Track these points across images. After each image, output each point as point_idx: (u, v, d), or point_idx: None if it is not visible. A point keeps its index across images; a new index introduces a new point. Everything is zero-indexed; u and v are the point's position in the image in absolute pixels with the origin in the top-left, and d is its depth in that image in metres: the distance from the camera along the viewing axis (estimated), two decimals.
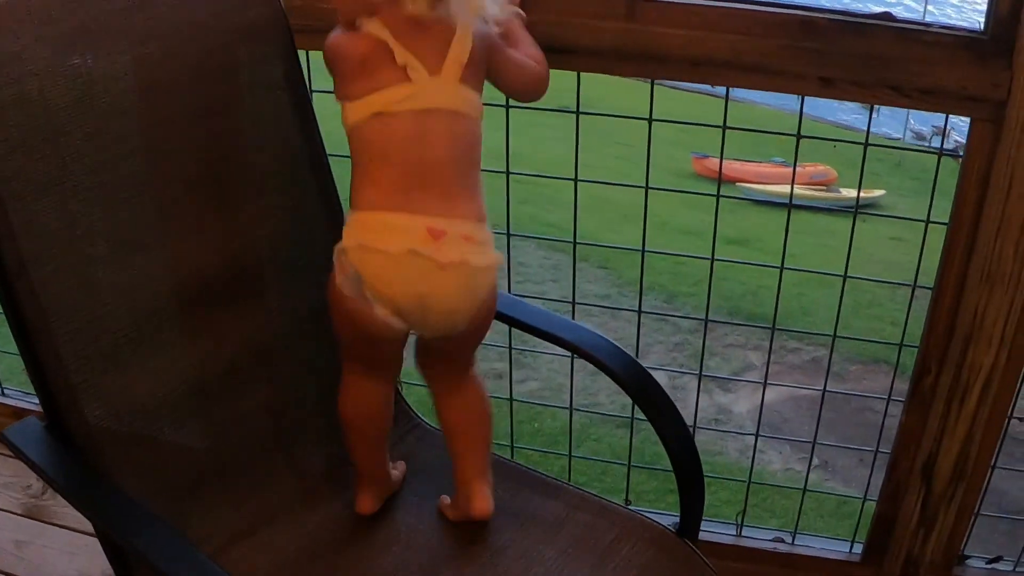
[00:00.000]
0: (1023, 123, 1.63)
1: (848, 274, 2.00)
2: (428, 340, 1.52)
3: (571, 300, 2.19)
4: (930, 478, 1.96)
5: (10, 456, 1.42)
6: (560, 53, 1.69)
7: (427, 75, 1.39)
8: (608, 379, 1.60)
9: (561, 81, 1.82)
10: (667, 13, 1.67)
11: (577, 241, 2.15)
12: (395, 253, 1.38)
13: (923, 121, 14.46)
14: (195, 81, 1.51)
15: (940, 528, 2.02)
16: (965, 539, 2.09)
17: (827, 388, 2.18)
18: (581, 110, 1.93)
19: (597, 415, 5.43)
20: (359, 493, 1.60)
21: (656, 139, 1.93)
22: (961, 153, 1.74)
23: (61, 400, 1.38)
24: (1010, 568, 2.17)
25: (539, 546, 1.54)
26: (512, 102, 1.86)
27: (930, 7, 16.88)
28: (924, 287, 1.91)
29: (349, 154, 1.44)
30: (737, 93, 1.83)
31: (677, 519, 1.58)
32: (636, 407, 1.88)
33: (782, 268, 2.03)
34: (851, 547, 2.20)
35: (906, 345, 2.03)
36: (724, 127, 1.89)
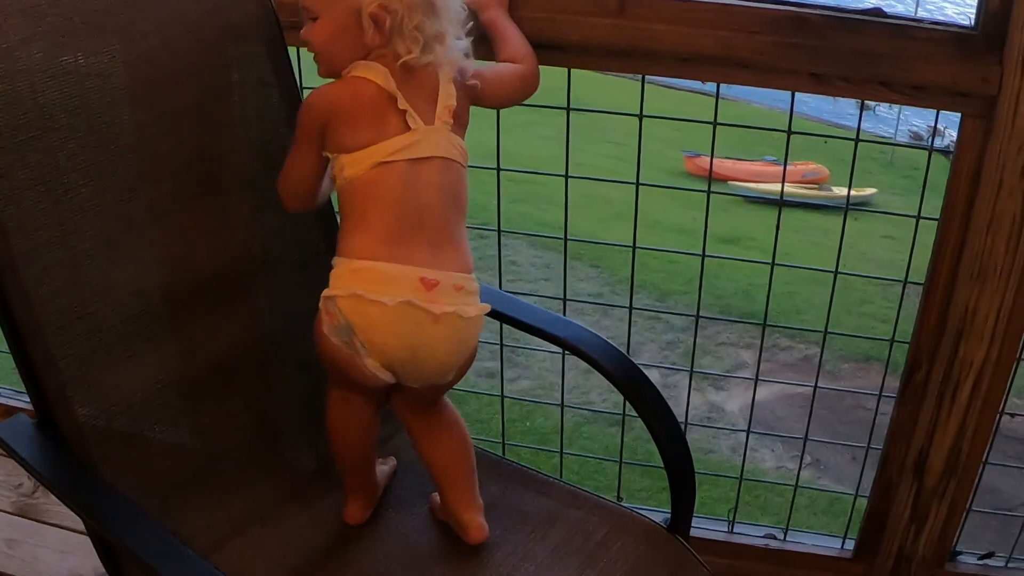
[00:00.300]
0: (1013, 119, 1.63)
1: (841, 271, 2.00)
2: (406, 389, 1.49)
3: (562, 297, 2.19)
4: (922, 474, 1.96)
5: (1, 455, 1.41)
6: (550, 49, 1.69)
7: (423, 124, 1.40)
8: (600, 377, 1.60)
9: (553, 79, 1.82)
10: (657, 9, 1.67)
11: (568, 238, 2.15)
12: (391, 305, 1.37)
13: (922, 121, 14.51)
14: (185, 79, 1.50)
15: (932, 524, 2.02)
16: (957, 535, 2.09)
17: (820, 385, 2.19)
18: (572, 107, 1.93)
19: (589, 413, 5.44)
20: (348, 503, 1.60)
21: (649, 138, 1.93)
22: (952, 150, 1.74)
23: (51, 398, 1.37)
24: (1002, 564, 2.17)
25: (530, 543, 1.54)
26: None
27: (928, 5, 16.86)
28: (915, 283, 1.91)
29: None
30: (730, 92, 1.83)
31: (669, 516, 1.58)
32: (628, 404, 1.88)
33: (773, 265, 2.03)
34: (843, 543, 2.20)
35: (897, 341, 2.03)
36: (715, 123, 1.89)
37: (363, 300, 1.38)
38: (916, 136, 15.24)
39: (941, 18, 1.69)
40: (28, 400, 1.42)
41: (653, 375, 1.61)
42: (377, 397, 1.52)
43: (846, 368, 6.66)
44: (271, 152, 1.60)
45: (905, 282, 1.97)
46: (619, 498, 2.31)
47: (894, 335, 2.05)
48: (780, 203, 2.09)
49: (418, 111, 1.40)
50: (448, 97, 1.43)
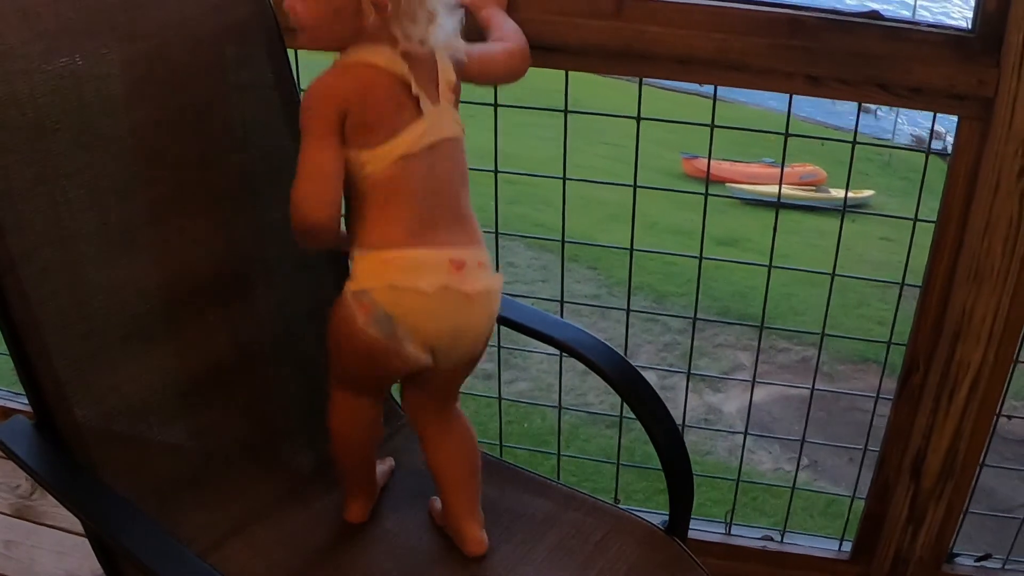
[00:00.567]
0: (1010, 121, 1.63)
1: (837, 273, 2.01)
2: (431, 376, 1.49)
3: (559, 299, 2.19)
4: (919, 476, 1.97)
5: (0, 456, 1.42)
6: (548, 51, 1.69)
7: (431, 106, 1.38)
8: (598, 379, 1.61)
9: (550, 81, 1.82)
10: (655, 11, 1.67)
11: (565, 240, 2.15)
12: (430, 291, 1.37)
13: (924, 126, 14.49)
14: (184, 80, 1.50)
15: (929, 526, 2.02)
16: (954, 537, 2.09)
17: (817, 387, 2.19)
18: (570, 109, 1.93)
19: (587, 415, 5.44)
20: (349, 503, 1.60)
21: (646, 140, 1.93)
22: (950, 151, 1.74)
23: (50, 399, 1.37)
24: (999, 566, 2.17)
25: (528, 545, 1.55)
26: (501, 101, 1.87)
27: (930, 6, 16.84)
28: (913, 285, 1.92)
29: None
30: (728, 94, 1.83)
31: (666, 518, 1.58)
32: (625, 406, 1.88)
33: (770, 267, 2.03)
34: (840, 545, 2.21)
35: (894, 343, 2.03)
36: (712, 125, 1.89)
37: (399, 289, 1.37)
38: (919, 140, 15.24)
39: (938, 20, 1.70)
40: (26, 401, 1.42)
41: (650, 377, 1.61)
42: (383, 393, 1.52)
43: (843, 370, 6.66)
44: (270, 154, 1.61)
45: (902, 284, 1.97)
46: (616, 500, 2.31)
47: (891, 337, 2.05)
48: (777, 205, 2.09)
49: (427, 94, 1.38)
50: (448, 73, 1.42)
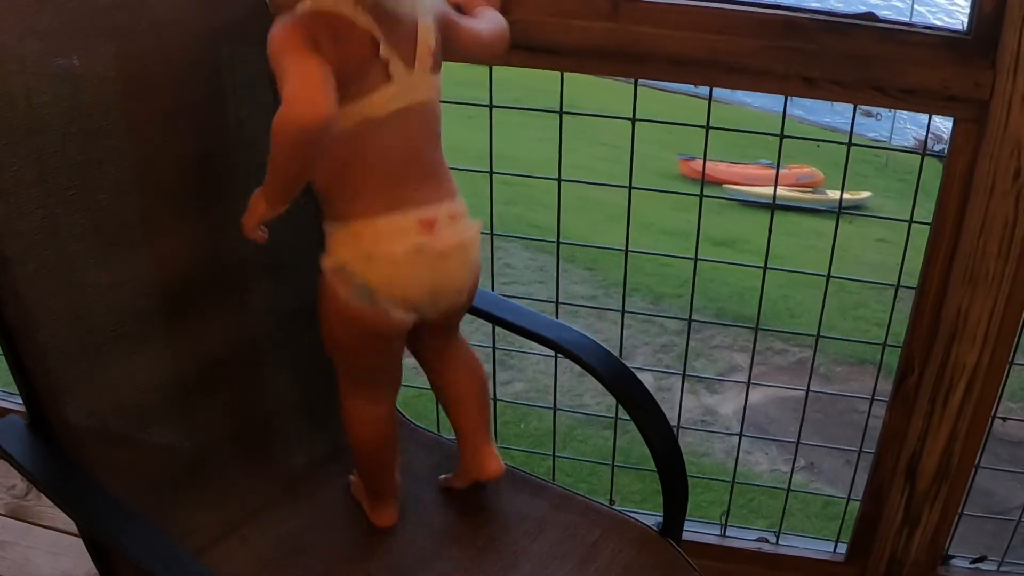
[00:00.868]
0: (1006, 123, 1.63)
1: (833, 275, 2.01)
2: (423, 326, 1.49)
3: (555, 300, 2.19)
4: (914, 477, 1.97)
5: None
6: (543, 52, 1.69)
7: (404, 69, 1.34)
8: (594, 380, 1.60)
9: (546, 82, 1.82)
10: (650, 13, 1.67)
11: (561, 241, 2.15)
12: (401, 255, 1.37)
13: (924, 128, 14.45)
14: (179, 79, 1.50)
15: (924, 527, 2.02)
16: (949, 539, 2.09)
17: (813, 389, 2.19)
18: (565, 110, 1.93)
19: (583, 416, 5.43)
20: (378, 508, 1.58)
21: (643, 141, 1.93)
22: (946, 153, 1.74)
23: (43, 399, 1.37)
24: (994, 568, 2.17)
25: (522, 545, 1.55)
26: (496, 102, 1.87)
27: (926, 8, 16.82)
28: (908, 287, 1.92)
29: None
30: (725, 95, 1.83)
31: (661, 519, 1.58)
32: (620, 408, 1.88)
33: (765, 268, 2.03)
34: (835, 547, 2.21)
35: (890, 345, 2.03)
36: (707, 127, 1.89)
37: (372, 259, 1.37)
38: (922, 144, 15.18)
39: (933, 22, 1.70)
40: (20, 401, 1.42)
41: (647, 378, 1.61)
42: (393, 388, 1.54)
43: (840, 371, 6.66)
44: (265, 152, 1.60)
45: (898, 286, 1.97)
46: (612, 501, 2.31)
47: (886, 339, 2.05)
48: (773, 206, 2.10)
49: (402, 56, 1.33)
50: (428, 37, 1.37)
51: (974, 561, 2.16)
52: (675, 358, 6.65)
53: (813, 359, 2.27)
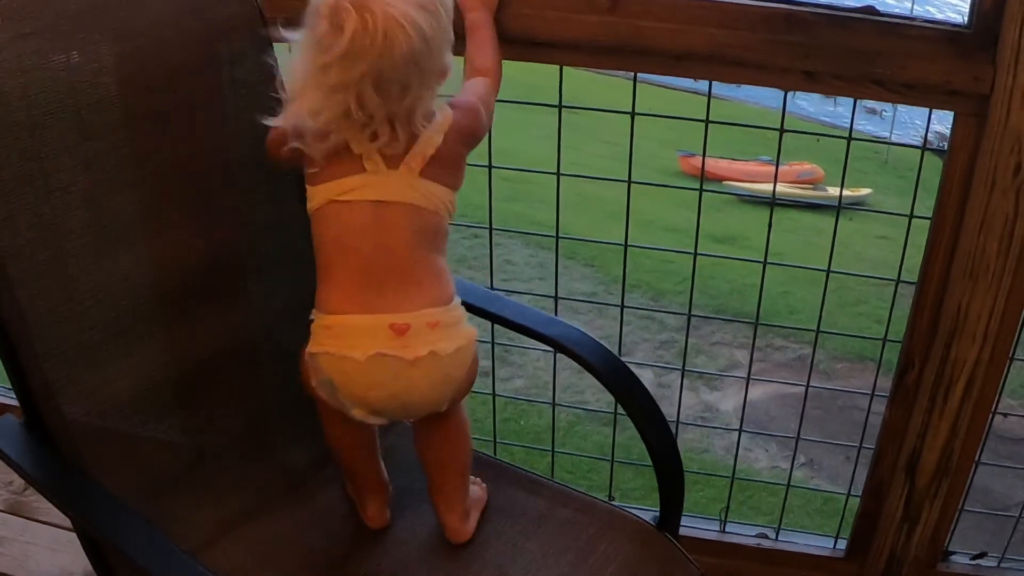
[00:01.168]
0: (1006, 118, 1.62)
1: (833, 271, 2.00)
2: None
3: (555, 296, 2.18)
4: (914, 474, 1.96)
5: None
6: (541, 47, 1.68)
7: (384, 167, 1.36)
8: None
9: (546, 77, 1.81)
10: (649, 6, 1.66)
11: (560, 236, 2.14)
12: (362, 359, 1.36)
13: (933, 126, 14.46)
14: (174, 77, 1.50)
15: (924, 524, 2.02)
16: (949, 535, 2.09)
17: (813, 385, 2.18)
18: (565, 105, 1.92)
19: (583, 412, 5.43)
20: (368, 507, 1.58)
21: (644, 138, 1.93)
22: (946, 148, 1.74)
23: (39, 397, 1.37)
24: (994, 564, 2.17)
25: (520, 541, 1.54)
26: (498, 98, 1.86)
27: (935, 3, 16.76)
28: (909, 283, 1.91)
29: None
30: (725, 91, 1.83)
31: (658, 514, 1.58)
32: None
33: (765, 264, 2.03)
34: (835, 543, 2.20)
35: (890, 341, 2.03)
36: (707, 122, 1.89)
37: (336, 357, 1.38)
38: (926, 143, 15.15)
39: (934, 16, 1.69)
40: (15, 399, 1.41)
41: (647, 375, 1.61)
42: None
43: (840, 368, 6.65)
44: (259, 150, 1.60)
45: (898, 282, 1.97)
46: (611, 497, 2.31)
47: (886, 335, 2.04)
48: (772, 202, 2.09)
49: (386, 157, 1.36)
50: (427, 146, 1.38)
51: (974, 557, 2.16)
52: (675, 354, 6.64)
53: (813, 355, 2.27)
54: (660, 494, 1.57)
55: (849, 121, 1.93)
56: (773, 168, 11.70)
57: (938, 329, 1.83)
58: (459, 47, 1.50)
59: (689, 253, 2.06)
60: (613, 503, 1.66)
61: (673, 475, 1.56)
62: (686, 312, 2.22)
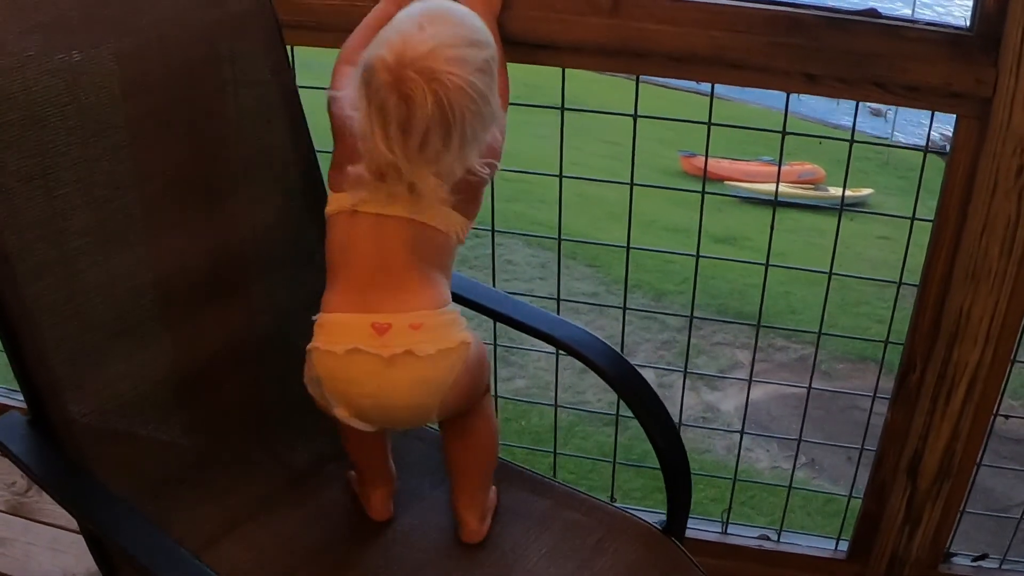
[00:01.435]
0: (1008, 120, 1.62)
1: (834, 272, 2.00)
2: None
3: (556, 297, 2.18)
4: (916, 475, 1.96)
5: None
6: (543, 48, 1.68)
7: (406, 192, 1.34)
8: (596, 377, 1.60)
9: (548, 79, 1.81)
10: (651, 9, 1.67)
11: (562, 237, 2.14)
12: (340, 353, 1.37)
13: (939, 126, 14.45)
14: (180, 75, 1.50)
15: (926, 525, 2.02)
16: (951, 536, 2.09)
17: (815, 386, 2.18)
18: (566, 107, 1.92)
19: (585, 413, 5.43)
20: (372, 497, 1.58)
21: (645, 138, 1.93)
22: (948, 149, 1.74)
23: (44, 395, 1.37)
24: (995, 566, 2.17)
25: (526, 543, 1.54)
26: None
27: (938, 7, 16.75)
28: (911, 284, 1.91)
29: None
30: (726, 92, 1.82)
31: (663, 517, 1.58)
32: (623, 404, 1.87)
33: (767, 265, 2.03)
34: (837, 545, 2.20)
35: (892, 342, 2.03)
36: (709, 123, 1.89)
37: (320, 351, 1.40)
38: (931, 144, 15.11)
39: (936, 18, 1.69)
40: (20, 398, 1.42)
41: (648, 375, 1.61)
42: None
43: (842, 368, 6.66)
44: (266, 149, 1.60)
45: (899, 283, 1.97)
46: (612, 498, 2.31)
47: (888, 336, 2.05)
48: (774, 203, 2.09)
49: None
50: (438, 191, 1.36)
51: (976, 559, 2.16)
52: (676, 355, 6.65)
53: (815, 356, 2.26)
54: (667, 497, 1.56)
55: (851, 121, 1.93)
56: (774, 168, 11.72)
57: (940, 331, 1.83)
58: None
59: (691, 255, 2.06)
60: (616, 505, 1.66)
61: (681, 478, 1.56)
62: (687, 313, 2.22)
